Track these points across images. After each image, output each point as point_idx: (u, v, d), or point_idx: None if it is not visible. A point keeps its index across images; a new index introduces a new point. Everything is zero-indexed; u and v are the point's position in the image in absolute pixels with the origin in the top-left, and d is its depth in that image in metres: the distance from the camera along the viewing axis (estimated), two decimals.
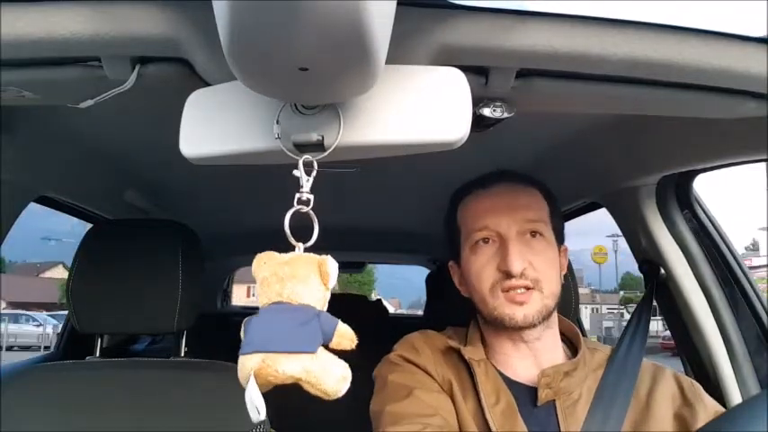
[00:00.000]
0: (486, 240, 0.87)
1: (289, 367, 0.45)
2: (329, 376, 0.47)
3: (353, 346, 0.49)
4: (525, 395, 0.84)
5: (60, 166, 1.20)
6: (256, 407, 0.45)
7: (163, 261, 1.00)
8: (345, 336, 0.49)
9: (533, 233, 0.86)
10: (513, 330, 0.86)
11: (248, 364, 0.46)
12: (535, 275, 0.84)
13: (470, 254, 0.88)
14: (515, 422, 0.80)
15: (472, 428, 0.80)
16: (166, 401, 0.93)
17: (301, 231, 0.52)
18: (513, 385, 0.85)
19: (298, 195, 0.53)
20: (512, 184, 0.91)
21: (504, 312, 0.84)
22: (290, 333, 0.46)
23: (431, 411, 0.80)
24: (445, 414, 0.81)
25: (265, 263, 0.50)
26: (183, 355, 1.07)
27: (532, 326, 0.85)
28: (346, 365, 0.48)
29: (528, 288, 0.84)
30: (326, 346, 0.48)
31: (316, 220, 0.52)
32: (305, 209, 0.53)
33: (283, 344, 0.46)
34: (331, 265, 0.49)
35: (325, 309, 0.50)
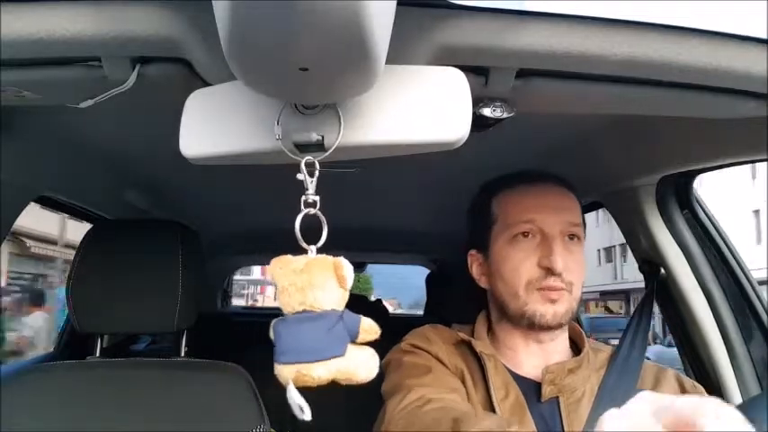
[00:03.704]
0: (526, 234, 0.86)
1: (323, 372, 0.49)
2: (360, 369, 0.50)
3: (378, 335, 0.52)
4: (530, 390, 0.84)
5: (60, 166, 1.20)
6: (299, 405, 0.49)
7: (163, 261, 1.00)
8: (370, 331, 0.52)
9: (572, 236, 0.87)
10: (540, 329, 0.86)
11: (284, 373, 0.49)
12: (570, 278, 0.84)
13: (508, 246, 0.87)
14: (524, 417, 0.80)
15: None
16: (166, 401, 0.93)
17: (307, 232, 0.52)
18: (518, 380, 0.86)
19: (304, 198, 0.53)
20: (556, 185, 0.91)
21: (535, 309, 0.84)
22: (318, 342, 0.49)
23: (453, 386, 0.81)
24: (462, 396, 0.81)
25: (281, 268, 0.51)
26: (183, 355, 1.07)
27: (559, 325, 0.85)
28: (372, 351, 0.52)
29: (562, 290, 0.84)
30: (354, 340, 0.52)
31: (324, 221, 0.53)
32: (313, 211, 0.53)
33: (314, 353, 0.49)
34: (347, 268, 0.51)
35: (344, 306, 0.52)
